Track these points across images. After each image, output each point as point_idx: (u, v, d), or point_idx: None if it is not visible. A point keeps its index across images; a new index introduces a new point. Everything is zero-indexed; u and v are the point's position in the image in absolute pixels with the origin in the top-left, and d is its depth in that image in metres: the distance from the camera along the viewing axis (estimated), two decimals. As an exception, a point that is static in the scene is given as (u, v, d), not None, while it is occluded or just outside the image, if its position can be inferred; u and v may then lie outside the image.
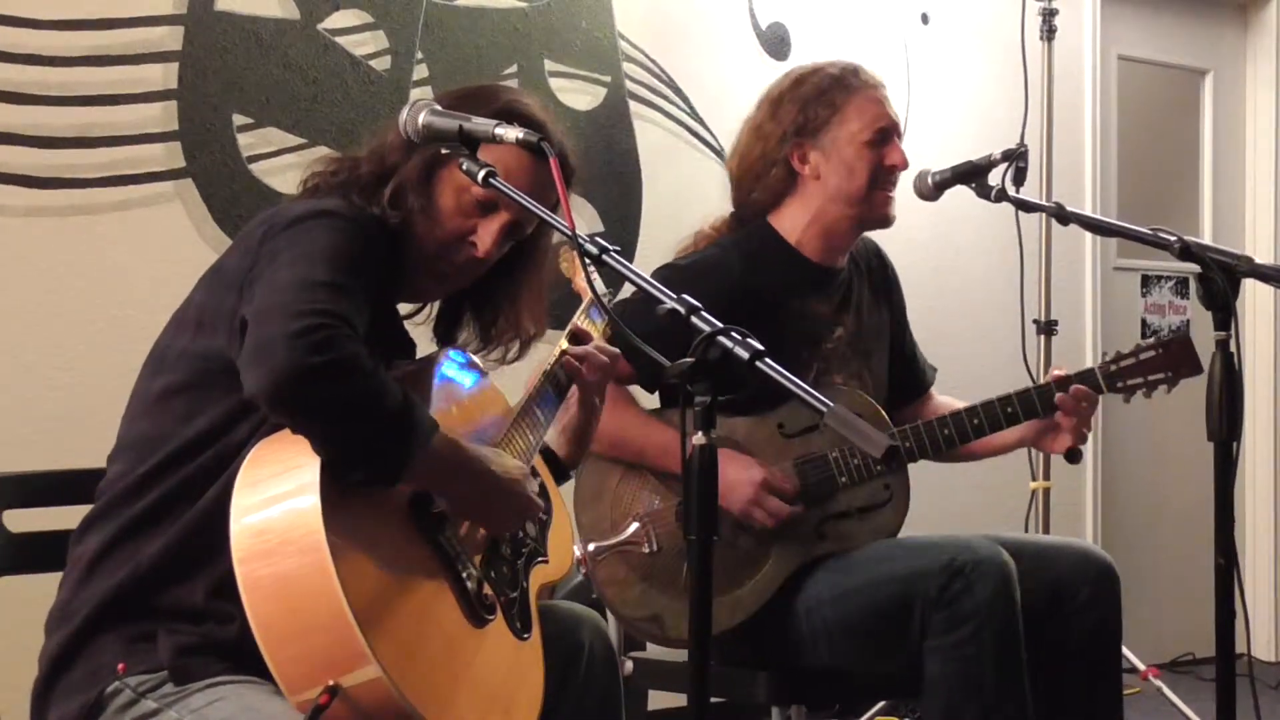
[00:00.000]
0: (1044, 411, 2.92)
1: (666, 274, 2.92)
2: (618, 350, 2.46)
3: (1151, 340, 2.94)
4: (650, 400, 3.01)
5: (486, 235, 2.21)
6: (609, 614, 2.92)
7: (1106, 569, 2.92)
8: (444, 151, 2.12)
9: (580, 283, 2.72)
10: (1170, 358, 2.92)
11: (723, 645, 2.84)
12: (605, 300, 2.54)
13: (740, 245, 2.99)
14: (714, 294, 2.73)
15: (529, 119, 2.22)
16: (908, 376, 3.20)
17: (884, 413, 2.94)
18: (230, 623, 1.92)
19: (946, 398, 3.23)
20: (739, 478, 2.81)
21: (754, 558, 2.85)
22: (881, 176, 2.96)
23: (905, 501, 2.92)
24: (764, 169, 3.00)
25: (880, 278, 3.17)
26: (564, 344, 2.44)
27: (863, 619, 2.76)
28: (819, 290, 3.01)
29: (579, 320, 2.51)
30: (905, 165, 2.97)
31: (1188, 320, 6.03)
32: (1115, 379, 2.92)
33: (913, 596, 2.69)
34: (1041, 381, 2.98)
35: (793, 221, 3.00)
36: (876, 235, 3.14)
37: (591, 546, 2.75)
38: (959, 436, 2.91)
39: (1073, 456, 2.98)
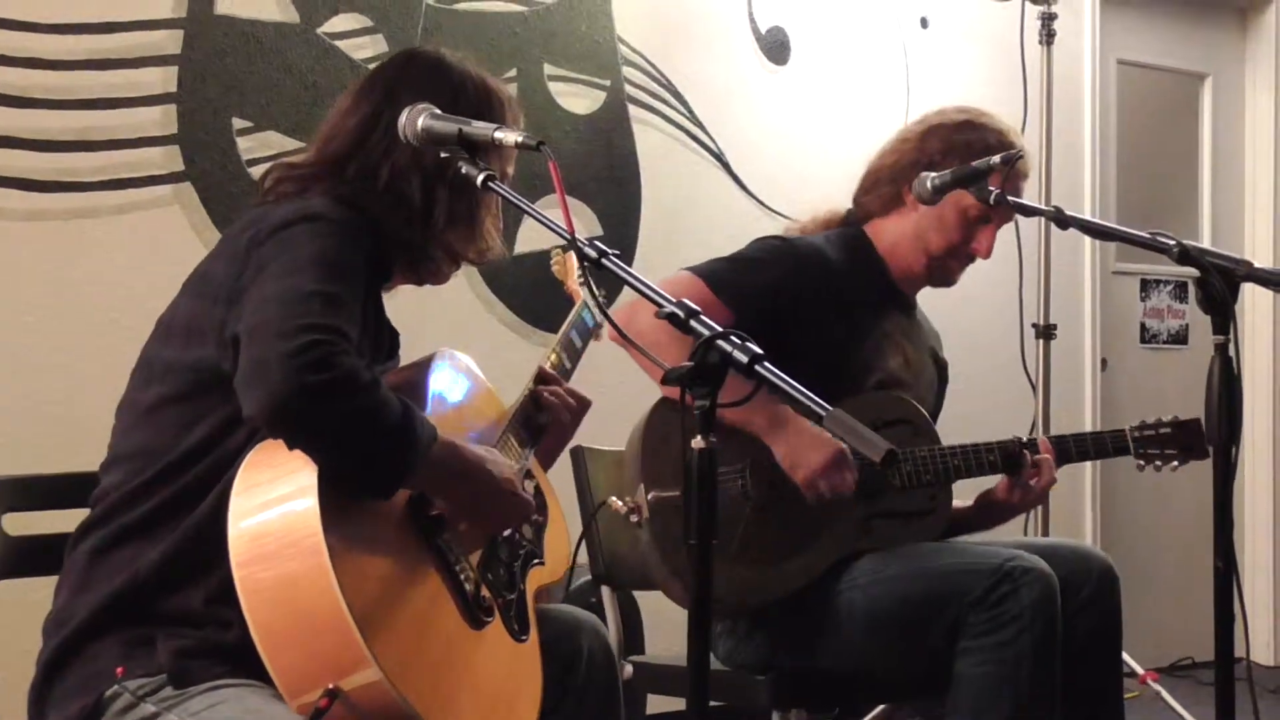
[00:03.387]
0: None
1: (776, 244, 3.00)
2: (588, 399, 2.43)
3: (1171, 418, 3.04)
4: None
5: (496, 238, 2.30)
6: (608, 618, 2.92)
7: (1106, 569, 2.94)
8: (443, 155, 2.12)
9: (572, 285, 2.71)
10: (1183, 438, 3.02)
11: (751, 622, 2.87)
12: (597, 303, 2.53)
13: (839, 243, 3.05)
14: (813, 275, 2.90)
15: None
16: None
17: (932, 424, 2.98)
18: (229, 629, 1.92)
19: None
20: (819, 441, 2.79)
21: (803, 537, 2.84)
22: (961, 251, 3.03)
23: (947, 516, 2.96)
24: (885, 179, 3.06)
25: (938, 362, 3.21)
26: (531, 385, 2.39)
27: (894, 608, 2.78)
28: (892, 311, 3.06)
29: (548, 360, 2.47)
30: (987, 256, 3.03)
31: (1186, 325, 6.04)
32: (1140, 445, 3.03)
33: (952, 595, 2.72)
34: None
35: (886, 238, 3.07)
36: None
37: (651, 495, 2.63)
38: (1003, 456, 2.95)
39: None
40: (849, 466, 2.83)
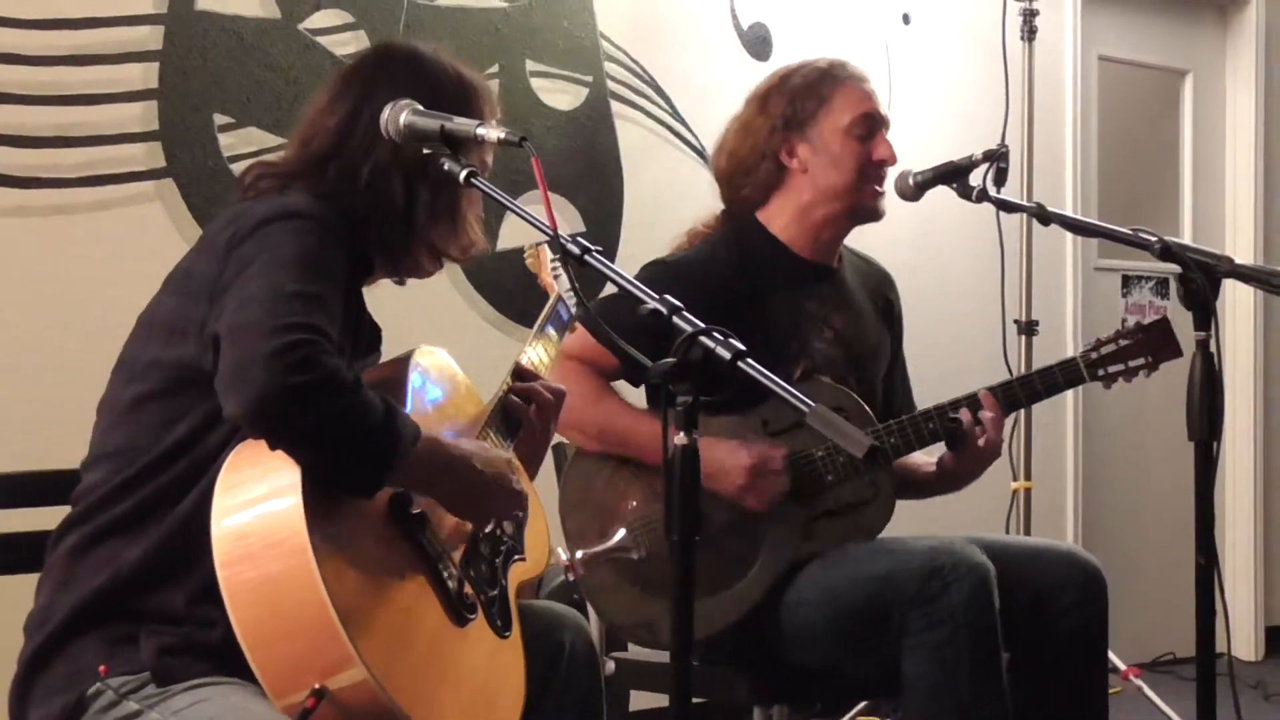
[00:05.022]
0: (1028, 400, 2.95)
1: (655, 271, 2.91)
2: (563, 389, 2.42)
3: (1133, 325, 2.94)
4: (631, 393, 2.99)
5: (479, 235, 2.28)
6: (590, 614, 2.92)
7: (1093, 572, 2.92)
8: (425, 151, 2.12)
9: (546, 278, 2.70)
10: (1150, 342, 2.92)
11: (709, 646, 2.83)
12: (571, 297, 2.53)
13: (729, 242, 2.98)
14: (702, 290, 2.74)
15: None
16: (886, 408, 3.12)
17: (867, 407, 2.92)
18: (213, 628, 1.92)
19: None
20: (730, 463, 2.79)
21: (742, 560, 2.83)
22: (869, 170, 2.96)
23: (891, 498, 2.92)
24: (754, 163, 2.99)
25: (885, 306, 3.16)
26: (509, 380, 2.38)
27: (844, 618, 2.75)
28: (809, 287, 2.99)
29: (524, 356, 2.46)
30: (894, 160, 2.97)
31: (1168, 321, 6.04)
32: (1097, 367, 2.91)
33: (892, 596, 2.68)
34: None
35: (782, 218, 3.00)
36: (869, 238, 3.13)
37: (580, 554, 2.72)
38: (944, 430, 2.90)
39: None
40: (771, 469, 2.81)
